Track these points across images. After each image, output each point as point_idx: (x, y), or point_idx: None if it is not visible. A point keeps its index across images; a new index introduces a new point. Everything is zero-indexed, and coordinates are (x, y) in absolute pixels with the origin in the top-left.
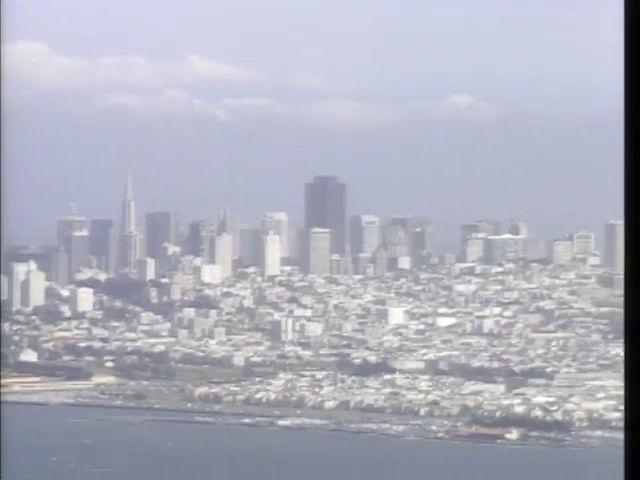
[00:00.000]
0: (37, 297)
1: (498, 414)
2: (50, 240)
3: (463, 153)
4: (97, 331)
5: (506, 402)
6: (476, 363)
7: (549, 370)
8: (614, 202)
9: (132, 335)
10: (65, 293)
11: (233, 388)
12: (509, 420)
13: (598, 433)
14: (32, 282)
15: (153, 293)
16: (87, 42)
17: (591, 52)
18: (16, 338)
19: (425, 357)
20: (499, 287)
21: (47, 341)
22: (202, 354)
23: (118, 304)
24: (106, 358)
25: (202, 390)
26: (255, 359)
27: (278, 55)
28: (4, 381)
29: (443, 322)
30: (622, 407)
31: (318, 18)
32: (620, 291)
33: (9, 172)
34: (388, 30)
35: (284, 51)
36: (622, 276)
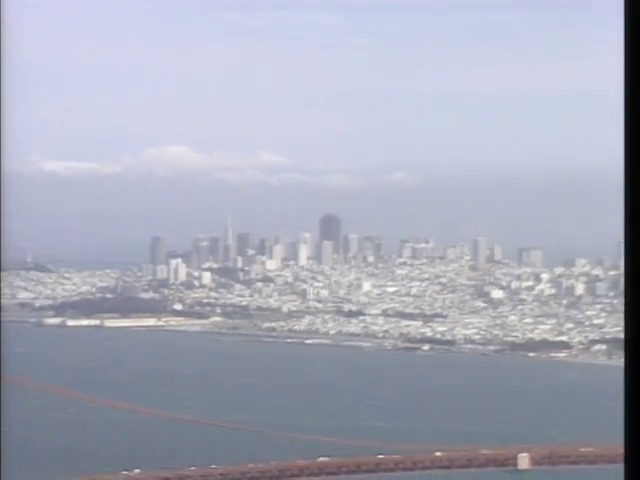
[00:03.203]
0: (181, 276)
1: (418, 337)
2: (188, 247)
3: (400, 202)
4: (212, 294)
5: (422, 330)
6: (407, 310)
7: (444, 314)
8: (479, 227)
9: (230, 296)
10: (196, 274)
11: (282, 323)
12: (424, 340)
13: (469, 346)
14: (179, 268)
15: (240, 274)
16: (208, 145)
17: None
18: (170, 297)
19: (381, 307)
20: (418, 271)
21: (186, 299)
22: (266, 306)
23: (223, 280)
24: (217, 308)
25: (266, 324)
26: (293, 309)
27: (305, 150)
28: (165, 319)
29: (390, 289)
30: (482, 333)
31: (323, 126)
32: (480, 273)
33: (168, 216)
34: (360, 132)
35: (308, 148)
36: (484, 264)
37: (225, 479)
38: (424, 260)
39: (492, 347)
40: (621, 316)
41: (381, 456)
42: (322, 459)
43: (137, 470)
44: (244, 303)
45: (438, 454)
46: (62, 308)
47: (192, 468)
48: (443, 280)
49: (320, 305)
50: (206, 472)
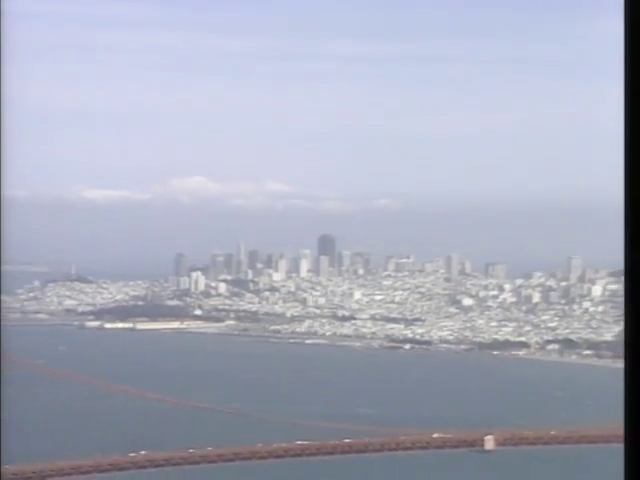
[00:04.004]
0: (200, 286)
1: (401, 338)
2: (206, 262)
3: (385, 224)
4: (227, 301)
5: (404, 332)
6: (392, 315)
7: (422, 318)
8: (452, 245)
9: (242, 303)
10: (213, 284)
11: (285, 326)
12: (406, 340)
13: (444, 345)
14: (199, 280)
15: (251, 285)
16: (223, 176)
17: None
18: (192, 304)
19: (369, 313)
20: (401, 282)
21: (205, 305)
22: (272, 312)
23: (236, 289)
24: (230, 313)
25: (272, 327)
26: (295, 314)
27: (305, 180)
28: (187, 322)
29: (377, 298)
30: (454, 334)
31: (321, 160)
32: (453, 284)
33: (189, 236)
34: (352, 165)
35: (308, 178)
36: (456, 277)
37: (237, 458)
38: (406, 273)
39: (463, 346)
40: (571, 320)
41: (369, 439)
42: (313, 442)
43: (143, 452)
44: (254, 309)
45: (418, 437)
46: (100, 313)
47: (190, 450)
48: (422, 290)
49: (318, 311)
50: (220, 452)
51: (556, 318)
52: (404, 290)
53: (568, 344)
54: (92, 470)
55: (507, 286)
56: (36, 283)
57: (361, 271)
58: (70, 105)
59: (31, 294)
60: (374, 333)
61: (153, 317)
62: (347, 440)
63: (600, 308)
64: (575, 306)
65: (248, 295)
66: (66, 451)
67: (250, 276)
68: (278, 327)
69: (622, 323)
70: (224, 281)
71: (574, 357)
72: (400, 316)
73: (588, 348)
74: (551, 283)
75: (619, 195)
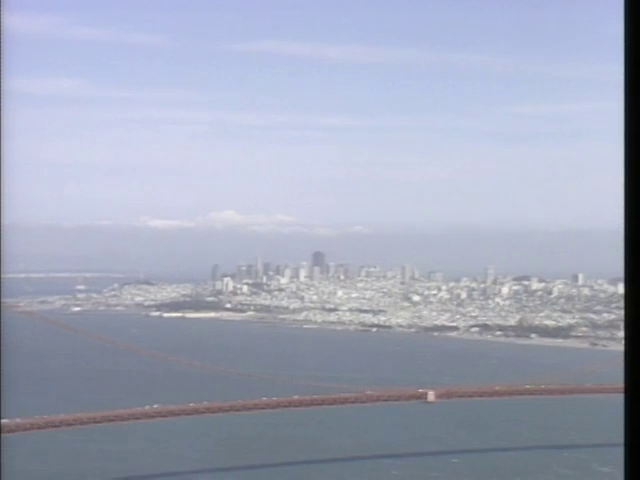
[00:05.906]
0: (229, 288)
1: (370, 323)
2: (234, 271)
3: (359, 244)
4: (248, 298)
5: (372, 320)
6: (363, 308)
7: (385, 310)
8: (406, 258)
9: (259, 299)
10: (238, 286)
11: (289, 315)
12: (373, 325)
13: (400, 329)
14: (229, 283)
15: (265, 287)
16: (245, 210)
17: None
18: (224, 300)
19: (348, 306)
20: (372, 285)
21: (233, 301)
22: (280, 305)
23: (254, 290)
24: (251, 307)
25: (280, 316)
26: (296, 307)
27: (304, 213)
28: (221, 313)
29: (353, 295)
30: (407, 321)
31: (314, 200)
32: (406, 286)
33: (222, 252)
34: (337, 203)
35: (306, 211)
36: (408, 281)
37: (245, 408)
38: (373, 278)
39: (413, 329)
40: (487, 310)
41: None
42: (307, 396)
43: (155, 405)
44: (267, 303)
45: (381, 392)
46: (160, 306)
47: (190, 404)
48: (384, 290)
49: (312, 305)
50: (231, 404)
51: (477, 309)
52: (372, 290)
53: (485, 327)
54: (116, 419)
55: (443, 287)
56: (115, 285)
57: (342, 277)
58: (139, 162)
59: (112, 292)
60: (351, 320)
61: (197, 309)
62: (332, 395)
63: (507, 302)
64: (490, 301)
65: (263, 294)
66: (123, 402)
67: (264, 280)
68: (284, 316)
69: (522, 312)
70: (246, 284)
71: (489, 336)
72: (369, 308)
73: (499, 330)
74: (473, 285)
75: (520, 224)
